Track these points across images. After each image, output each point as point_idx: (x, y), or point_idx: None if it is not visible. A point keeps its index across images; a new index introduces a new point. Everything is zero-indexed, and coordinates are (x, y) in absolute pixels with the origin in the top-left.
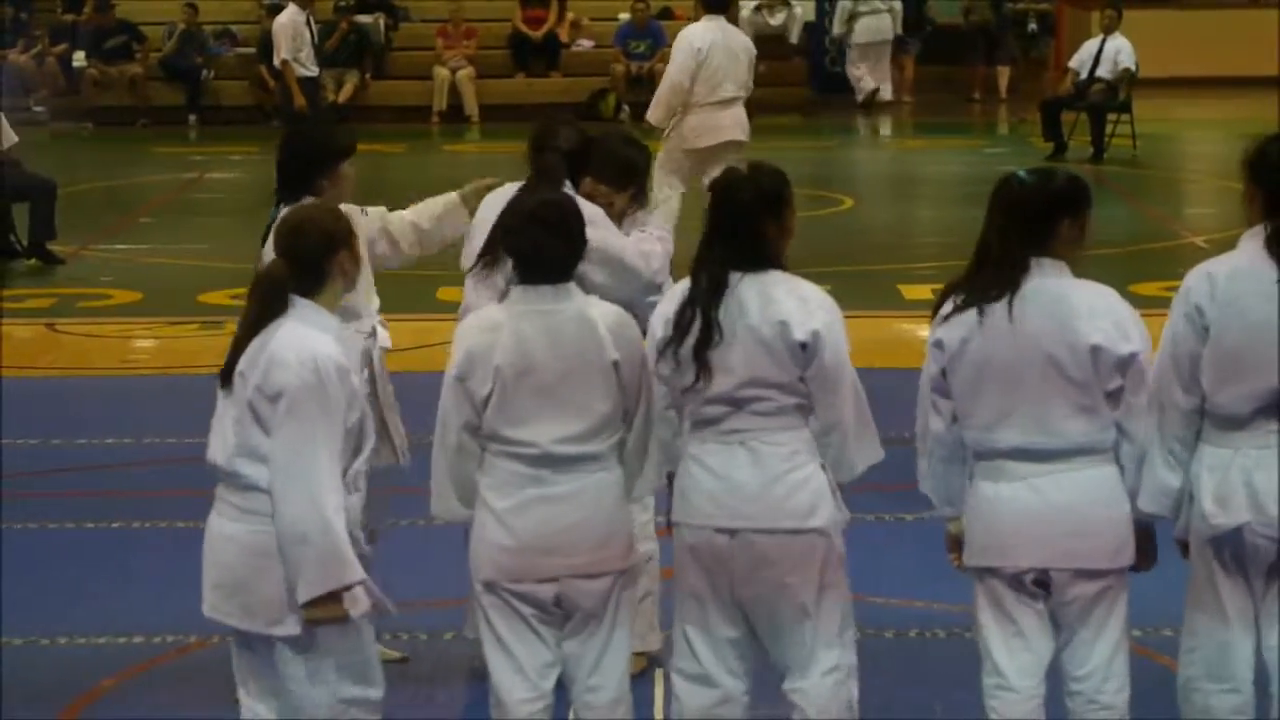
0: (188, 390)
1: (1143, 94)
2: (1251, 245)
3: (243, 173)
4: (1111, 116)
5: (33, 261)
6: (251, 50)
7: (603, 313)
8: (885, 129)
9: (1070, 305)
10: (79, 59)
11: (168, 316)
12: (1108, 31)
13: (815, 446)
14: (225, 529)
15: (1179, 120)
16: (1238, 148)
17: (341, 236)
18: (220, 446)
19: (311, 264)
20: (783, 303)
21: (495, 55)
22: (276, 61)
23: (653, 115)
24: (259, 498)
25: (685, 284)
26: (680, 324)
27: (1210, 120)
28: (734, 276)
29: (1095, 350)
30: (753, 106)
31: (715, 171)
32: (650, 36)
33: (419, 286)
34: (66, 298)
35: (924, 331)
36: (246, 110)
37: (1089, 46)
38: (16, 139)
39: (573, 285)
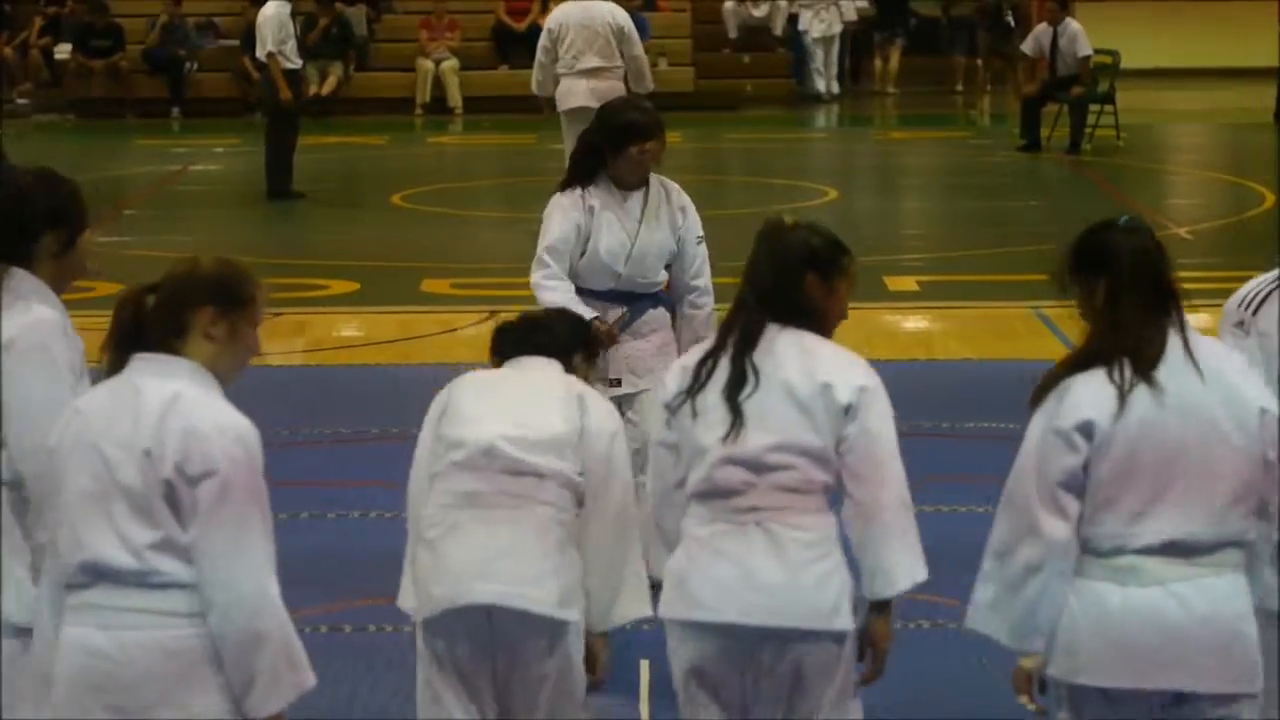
0: None
1: (1128, 85)
2: None
3: (226, 165)
4: (1095, 107)
5: None
6: (234, 42)
7: (579, 392)
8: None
9: (1221, 363)
10: (62, 51)
11: None
12: (1053, 23)
13: (838, 541)
14: (131, 640)
15: (1165, 111)
16: (1224, 139)
17: (212, 289)
18: (115, 541)
19: (171, 311)
20: (826, 360)
21: (478, 47)
22: (261, 54)
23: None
24: (176, 596)
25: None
26: (700, 372)
27: (1196, 112)
28: (772, 328)
29: (1263, 413)
30: (736, 98)
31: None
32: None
33: (404, 279)
34: None
35: (909, 323)
36: (229, 102)
37: (1040, 33)
38: None
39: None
